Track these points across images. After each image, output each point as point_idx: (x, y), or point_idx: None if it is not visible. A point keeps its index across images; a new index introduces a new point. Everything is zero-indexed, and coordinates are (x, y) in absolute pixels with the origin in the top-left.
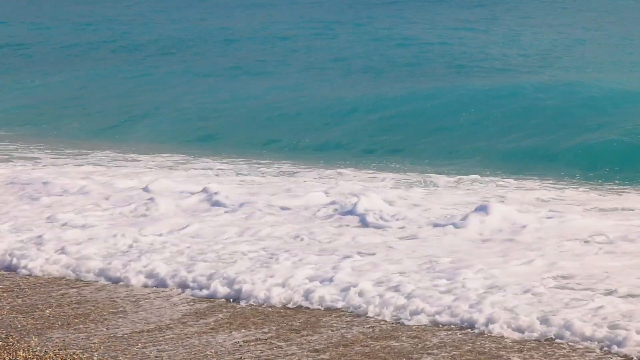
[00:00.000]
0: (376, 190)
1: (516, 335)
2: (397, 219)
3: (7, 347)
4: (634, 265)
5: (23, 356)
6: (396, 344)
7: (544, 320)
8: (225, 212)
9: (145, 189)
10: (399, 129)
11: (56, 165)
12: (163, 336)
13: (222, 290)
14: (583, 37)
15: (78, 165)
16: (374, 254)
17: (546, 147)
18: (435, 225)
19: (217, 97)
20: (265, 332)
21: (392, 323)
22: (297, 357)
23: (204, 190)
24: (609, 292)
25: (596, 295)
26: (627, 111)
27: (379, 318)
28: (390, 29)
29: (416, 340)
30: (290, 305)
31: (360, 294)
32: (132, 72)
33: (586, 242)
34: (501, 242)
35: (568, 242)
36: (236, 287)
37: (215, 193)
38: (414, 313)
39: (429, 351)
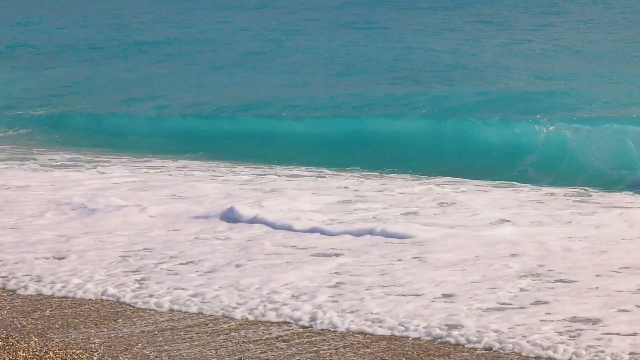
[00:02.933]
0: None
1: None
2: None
3: (7, 347)
4: None
5: (23, 356)
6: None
7: None
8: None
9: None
10: None
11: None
12: (163, 337)
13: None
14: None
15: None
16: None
17: None
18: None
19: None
20: (265, 333)
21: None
22: (297, 357)
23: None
24: None
25: None
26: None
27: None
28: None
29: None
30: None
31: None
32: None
33: None
34: None
35: None
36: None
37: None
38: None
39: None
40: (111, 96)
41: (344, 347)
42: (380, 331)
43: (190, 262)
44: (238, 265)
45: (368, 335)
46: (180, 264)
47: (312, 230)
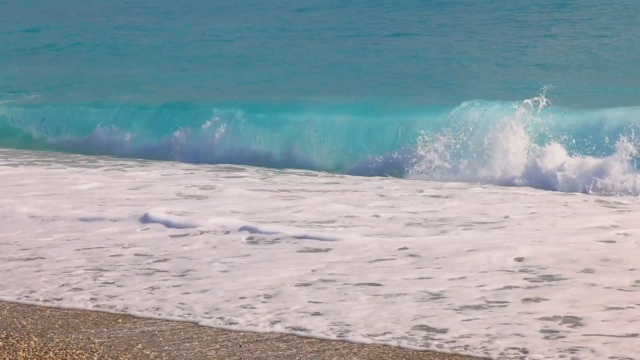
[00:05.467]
0: None
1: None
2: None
3: (7, 347)
4: None
5: (23, 356)
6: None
7: None
8: None
9: None
10: None
11: None
12: (163, 337)
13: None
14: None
15: None
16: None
17: None
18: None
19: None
20: (265, 334)
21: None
22: (297, 358)
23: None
24: None
25: None
26: None
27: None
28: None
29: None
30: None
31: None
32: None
33: None
34: None
35: None
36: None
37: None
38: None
39: None
40: None
41: (344, 347)
42: (378, 333)
43: (161, 260)
44: (213, 267)
45: (366, 337)
46: (155, 262)
47: (276, 231)
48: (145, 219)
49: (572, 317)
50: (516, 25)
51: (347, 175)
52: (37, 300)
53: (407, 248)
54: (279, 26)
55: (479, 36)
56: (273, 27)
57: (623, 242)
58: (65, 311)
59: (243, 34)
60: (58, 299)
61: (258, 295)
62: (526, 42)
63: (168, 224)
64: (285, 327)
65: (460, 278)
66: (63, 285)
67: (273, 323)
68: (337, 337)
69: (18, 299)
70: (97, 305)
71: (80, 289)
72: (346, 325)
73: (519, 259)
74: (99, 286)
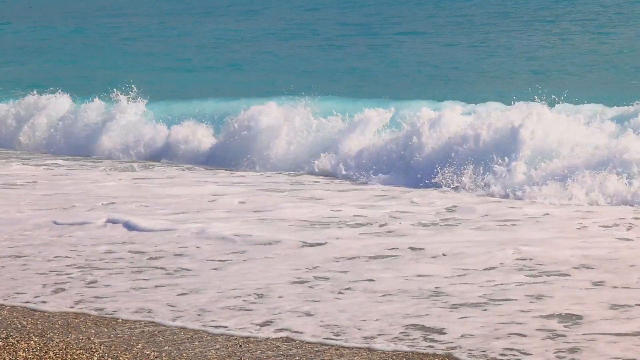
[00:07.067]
0: None
1: None
2: None
3: (7, 347)
4: None
5: (23, 356)
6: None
7: None
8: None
9: None
10: None
11: None
12: (163, 337)
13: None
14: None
15: None
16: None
17: None
18: None
19: None
20: (265, 334)
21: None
22: (297, 358)
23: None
24: None
25: None
26: None
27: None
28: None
29: None
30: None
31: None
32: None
33: None
34: None
35: None
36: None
37: None
38: None
39: None
40: None
41: (343, 348)
42: (377, 333)
43: (155, 257)
44: (204, 267)
45: (365, 338)
46: (149, 259)
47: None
48: (109, 222)
49: (574, 315)
50: (520, 24)
51: (343, 175)
52: (28, 302)
53: (406, 247)
54: (283, 26)
55: (481, 35)
56: (276, 27)
57: (628, 242)
58: (65, 311)
59: (244, 36)
60: (43, 302)
61: (249, 295)
62: (528, 42)
63: (129, 227)
64: (282, 329)
65: (459, 276)
66: (47, 285)
67: (268, 324)
68: (337, 337)
69: (5, 300)
70: (84, 308)
71: (65, 290)
72: (345, 326)
73: (521, 258)
74: (86, 287)
